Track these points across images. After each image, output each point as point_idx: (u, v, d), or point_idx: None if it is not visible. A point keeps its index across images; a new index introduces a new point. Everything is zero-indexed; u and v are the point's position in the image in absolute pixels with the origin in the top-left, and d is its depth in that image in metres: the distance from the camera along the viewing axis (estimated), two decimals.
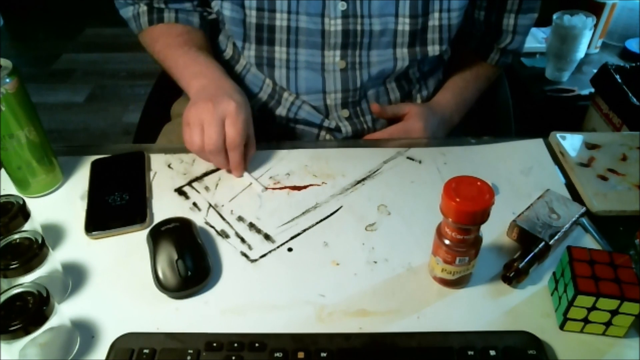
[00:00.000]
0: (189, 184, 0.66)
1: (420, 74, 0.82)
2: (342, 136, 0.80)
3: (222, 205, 0.63)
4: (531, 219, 0.56)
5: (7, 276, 0.47)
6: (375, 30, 0.71)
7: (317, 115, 0.79)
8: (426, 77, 0.83)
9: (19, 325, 0.42)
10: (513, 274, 0.52)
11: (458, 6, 0.72)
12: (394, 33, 0.72)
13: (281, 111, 0.79)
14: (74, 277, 0.55)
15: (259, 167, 0.68)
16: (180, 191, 0.65)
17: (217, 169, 0.68)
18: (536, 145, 0.72)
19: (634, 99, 1.08)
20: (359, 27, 0.71)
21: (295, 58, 0.74)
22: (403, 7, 0.70)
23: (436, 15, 0.72)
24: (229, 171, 0.67)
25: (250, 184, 0.66)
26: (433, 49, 0.75)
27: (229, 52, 0.82)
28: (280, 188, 0.65)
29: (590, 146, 0.71)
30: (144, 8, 0.79)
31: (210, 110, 0.63)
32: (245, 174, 0.67)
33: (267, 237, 0.59)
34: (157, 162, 0.70)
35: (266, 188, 0.65)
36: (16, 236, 0.50)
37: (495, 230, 0.59)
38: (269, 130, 0.82)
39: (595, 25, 1.32)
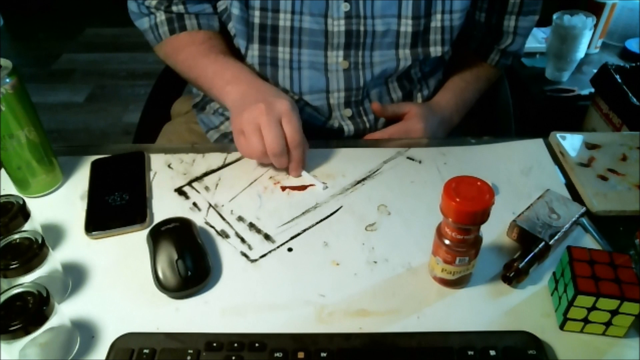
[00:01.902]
0: (189, 184, 0.66)
1: (421, 74, 0.82)
2: (345, 136, 0.80)
3: (222, 205, 0.63)
4: (531, 219, 0.56)
5: (7, 276, 0.47)
6: (377, 31, 0.71)
7: (319, 117, 0.79)
8: (427, 77, 0.83)
9: (19, 325, 0.42)
10: (513, 274, 0.52)
11: (460, 7, 0.72)
12: (396, 34, 0.72)
13: None
14: (74, 277, 0.55)
15: (259, 167, 0.68)
16: (180, 191, 0.65)
17: (217, 169, 0.68)
18: (536, 145, 0.72)
19: (634, 99, 1.08)
20: (361, 28, 0.71)
21: (299, 58, 0.74)
22: (405, 8, 0.70)
23: (438, 16, 0.72)
24: (287, 171, 0.67)
25: (252, 182, 0.66)
26: (435, 50, 0.75)
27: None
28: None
29: (590, 146, 0.71)
30: (162, 17, 0.76)
31: (265, 113, 0.62)
32: (304, 173, 0.67)
33: (267, 237, 0.59)
34: (157, 162, 0.70)
35: (327, 186, 0.65)
36: (16, 236, 0.50)
37: (495, 230, 0.59)
38: None
39: (595, 25, 1.32)
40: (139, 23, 0.79)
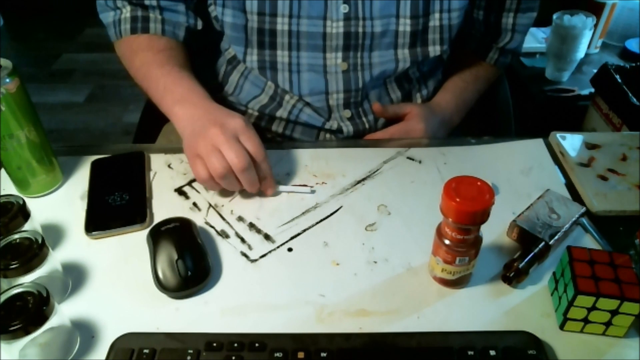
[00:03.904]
0: (189, 184, 0.66)
1: (420, 74, 0.82)
2: (344, 136, 0.80)
3: (222, 205, 0.63)
4: (531, 219, 0.56)
5: (7, 276, 0.47)
6: (376, 31, 0.71)
7: (319, 118, 0.79)
8: (426, 77, 0.83)
9: (19, 325, 0.42)
10: (513, 274, 0.52)
11: (458, 6, 0.72)
12: (395, 34, 0.72)
13: (282, 113, 0.79)
14: (74, 277, 0.55)
15: None
16: (180, 191, 0.65)
17: None
18: (536, 145, 0.72)
19: (634, 99, 1.08)
20: (360, 29, 0.71)
21: (298, 61, 0.74)
22: (404, 8, 0.70)
23: (437, 15, 0.72)
24: (253, 191, 0.62)
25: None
26: (434, 50, 0.75)
27: (227, 57, 0.82)
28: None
29: (590, 146, 0.71)
30: (126, 15, 0.73)
31: (220, 133, 0.58)
32: (281, 187, 0.64)
33: (267, 237, 0.59)
34: (157, 162, 0.70)
35: (314, 191, 0.64)
36: (16, 236, 0.50)
37: (495, 230, 0.59)
38: (269, 131, 0.82)
39: (595, 25, 1.32)
40: (103, 16, 0.76)
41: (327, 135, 0.81)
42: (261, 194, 0.64)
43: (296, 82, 0.75)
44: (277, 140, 0.82)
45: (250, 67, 0.76)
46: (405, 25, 0.71)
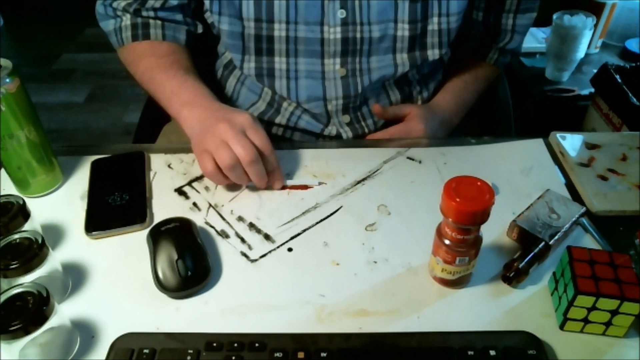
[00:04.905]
0: (189, 184, 0.66)
1: (420, 76, 0.81)
2: None
3: (222, 205, 0.63)
4: (531, 219, 0.56)
5: (7, 276, 0.47)
6: (374, 37, 0.71)
7: (317, 124, 0.79)
8: (426, 78, 0.83)
9: (19, 325, 0.42)
10: (513, 274, 0.52)
11: (457, 10, 0.71)
12: (393, 39, 0.72)
13: (280, 120, 0.79)
14: (74, 277, 0.55)
15: None
16: (180, 191, 0.65)
17: None
18: (536, 145, 0.72)
19: (634, 99, 1.08)
20: (358, 35, 0.71)
21: (295, 68, 0.74)
22: (402, 12, 0.70)
23: (435, 19, 0.71)
24: (262, 186, 0.63)
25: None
26: (433, 53, 0.75)
27: (223, 61, 0.82)
28: (319, 184, 0.66)
29: (590, 146, 0.71)
30: (127, 22, 0.75)
31: (228, 128, 0.59)
32: (289, 182, 0.65)
33: (267, 237, 0.59)
34: (157, 162, 0.70)
35: (320, 183, 0.65)
36: (16, 236, 0.50)
37: (495, 230, 0.59)
38: (268, 135, 0.82)
39: (595, 25, 1.32)
40: (103, 24, 0.78)
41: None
42: (267, 188, 0.64)
43: (294, 89, 0.75)
44: (277, 141, 0.82)
45: (248, 75, 0.76)
46: (403, 30, 0.71)
